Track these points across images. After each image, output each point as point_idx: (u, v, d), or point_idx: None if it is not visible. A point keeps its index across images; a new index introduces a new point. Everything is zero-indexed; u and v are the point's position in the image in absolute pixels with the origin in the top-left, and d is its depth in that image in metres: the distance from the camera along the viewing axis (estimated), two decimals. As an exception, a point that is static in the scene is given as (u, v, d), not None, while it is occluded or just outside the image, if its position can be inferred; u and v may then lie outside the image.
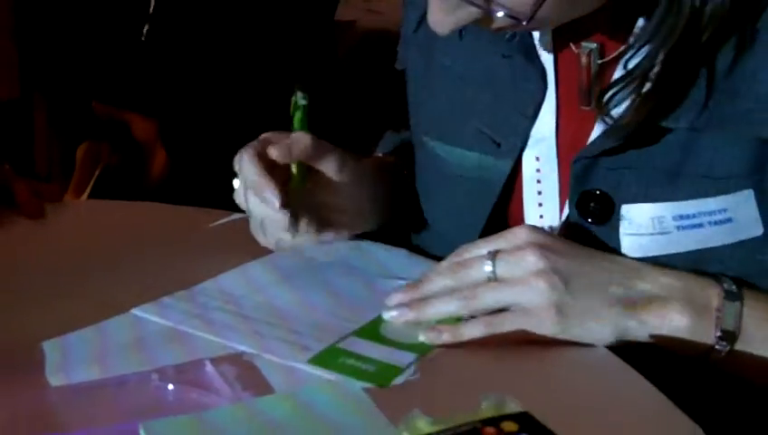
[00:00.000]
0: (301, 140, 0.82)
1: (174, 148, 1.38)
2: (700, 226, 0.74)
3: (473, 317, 0.71)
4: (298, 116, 0.83)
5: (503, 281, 0.71)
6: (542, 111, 0.82)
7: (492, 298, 0.70)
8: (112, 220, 0.97)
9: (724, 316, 0.69)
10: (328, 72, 0.98)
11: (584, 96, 0.80)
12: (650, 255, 0.75)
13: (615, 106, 0.75)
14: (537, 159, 0.83)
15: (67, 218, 0.96)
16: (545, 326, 0.69)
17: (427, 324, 0.71)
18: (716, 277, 0.72)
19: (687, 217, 0.74)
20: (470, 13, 0.71)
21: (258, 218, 0.85)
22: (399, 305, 0.73)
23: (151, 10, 1.38)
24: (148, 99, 1.40)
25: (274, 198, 0.79)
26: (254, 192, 0.82)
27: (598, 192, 0.78)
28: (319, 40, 0.82)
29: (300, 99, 0.83)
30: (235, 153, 1.29)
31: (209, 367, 0.68)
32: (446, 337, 0.69)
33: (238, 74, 1.38)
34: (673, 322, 0.69)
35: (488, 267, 0.71)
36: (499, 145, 0.84)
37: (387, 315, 0.73)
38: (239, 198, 0.85)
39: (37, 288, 0.80)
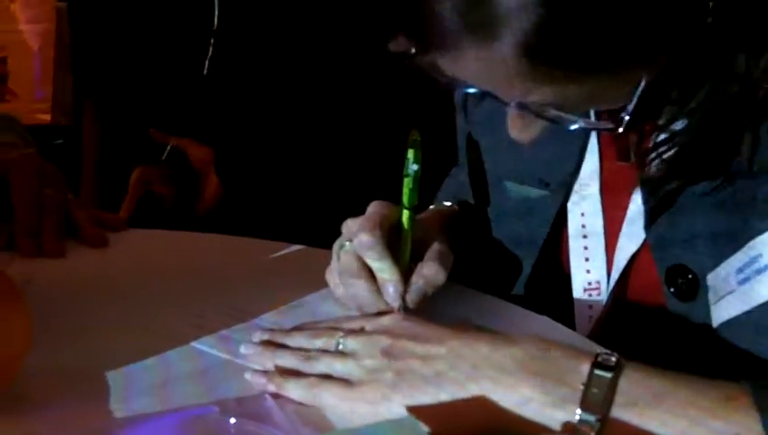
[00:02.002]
0: (429, 275, 0.79)
1: (228, 176, 1.40)
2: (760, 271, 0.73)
3: None
4: (408, 185, 0.79)
5: (343, 354, 0.72)
6: (584, 164, 0.83)
7: (325, 364, 0.71)
8: (173, 250, 0.98)
9: (589, 390, 0.64)
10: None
11: (624, 151, 0.80)
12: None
13: (655, 165, 0.75)
14: (582, 214, 0.84)
15: (128, 248, 0.97)
16: (361, 400, 0.68)
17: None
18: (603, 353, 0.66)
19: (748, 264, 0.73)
20: (555, 117, 0.70)
21: (356, 295, 0.80)
22: (254, 344, 0.76)
23: (212, 43, 1.40)
24: (206, 127, 1.42)
25: (397, 298, 0.77)
26: (367, 281, 0.78)
27: (681, 267, 0.78)
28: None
29: (412, 163, 0.78)
30: (288, 184, 1.29)
31: (269, 401, 0.68)
32: (270, 386, 0.71)
33: (299, 107, 1.40)
34: (521, 394, 0.65)
35: (338, 340, 0.73)
36: (548, 184, 0.85)
37: (242, 348, 0.75)
38: (347, 264, 0.80)
39: (99, 317, 0.82)
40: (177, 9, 1.42)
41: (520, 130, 0.73)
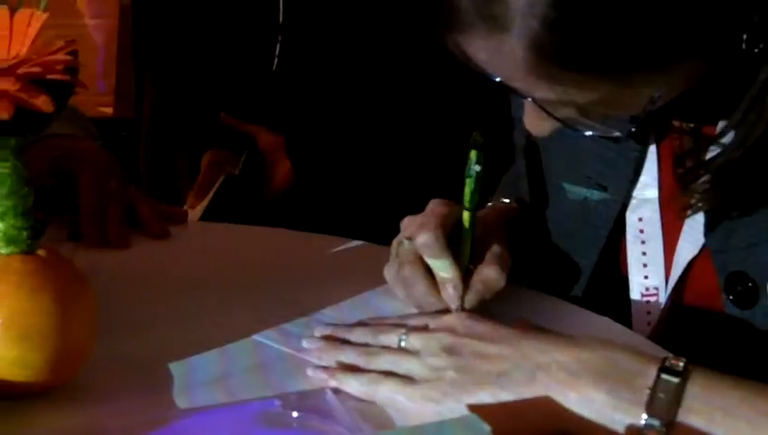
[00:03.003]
0: (489, 279, 0.79)
1: (300, 162, 1.40)
2: None
3: None
4: (470, 186, 0.78)
5: (405, 351, 0.72)
6: (644, 170, 0.83)
7: (386, 360, 0.71)
8: (234, 244, 0.99)
9: (656, 395, 0.63)
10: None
11: (680, 160, 0.80)
12: None
13: (696, 187, 0.75)
14: (640, 219, 0.84)
15: (190, 240, 0.98)
16: (422, 397, 0.68)
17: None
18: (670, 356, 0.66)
19: None
20: (567, 118, 0.71)
21: (414, 294, 0.80)
22: (316, 338, 0.76)
23: (279, 38, 1.41)
24: (276, 113, 1.43)
25: (456, 299, 0.77)
26: (427, 283, 0.78)
27: (741, 274, 0.77)
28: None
29: (474, 164, 0.77)
30: (353, 177, 1.29)
31: (330, 396, 0.68)
32: (332, 381, 0.71)
33: (365, 100, 1.40)
34: (586, 396, 0.64)
35: (401, 337, 0.73)
36: (605, 189, 0.85)
37: (304, 342, 0.75)
38: (407, 259, 0.80)
39: (161, 309, 0.82)
40: (243, 4, 1.43)
41: (534, 123, 0.73)
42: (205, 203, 1.38)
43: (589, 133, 0.73)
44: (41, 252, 0.68)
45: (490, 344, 0.69)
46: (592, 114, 0.71)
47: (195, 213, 1.36)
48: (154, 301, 0.84)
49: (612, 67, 0.65)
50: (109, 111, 1.93)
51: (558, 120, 0.71)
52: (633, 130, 0.71)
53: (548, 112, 0.70)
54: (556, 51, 0.64)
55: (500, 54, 0.66)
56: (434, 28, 0.69)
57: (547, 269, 0.90)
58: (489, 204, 0.94)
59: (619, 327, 0.83)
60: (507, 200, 0.93)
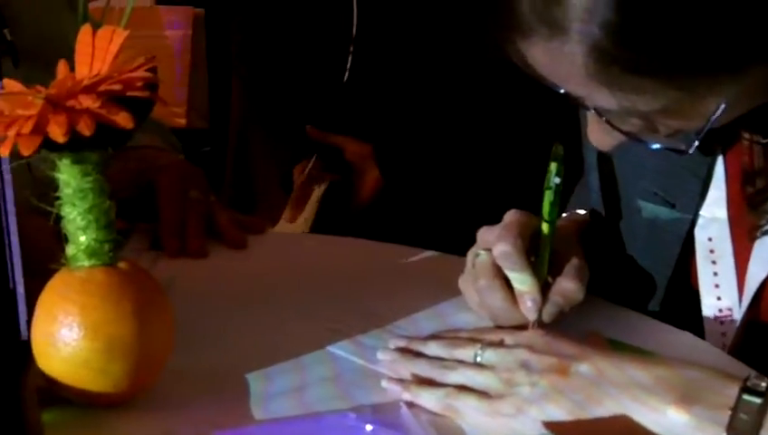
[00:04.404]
0: (569, 292, 0.78)
1: (388, 170, 1.41)
2: None
3: None
4: (549, 199, 0.78)
5: (481, 366, 0.71)
6: (711, 186, 0.81)
7: (462, 375, 0.71)
8: (311, 254, 0.99)
9: (737, 416, 0.61)
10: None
11: (750, 177, 0.78)
12: None
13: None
14: (710, 239, 0.82)
15: (268, 250, 0.99)
16: (497, 413, 0.67)
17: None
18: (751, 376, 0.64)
19: None
20: (630, 131, 0.70)
21: (491, 306, 0.79)
22: (390, 350, 0.76)
23: (353, 39, 1.42)
24: (362, 123, 1.44)
25: (535, 311, 0.77)
26: (505, 296, 0.78)
27: None
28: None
29: (554, 176, 0.77)
30: (444, 179, 1.28)
31: (404, 409, 0.69)
32: (406, 395, 0.70)
33: (440, 112, 1.40)
34: (665, 416, 0.63)
35: (476, 351, 0.72)
36: (673, 205, 0.83)
37: (379, 354, 0.76)
38: (483, 271, 0.79)
39: (238, 319, 0.84)
40: (317, 18, 1.44)
41: (598, 137, 0.73)
42: (307, 214, 1.40)
43: (655, 146, 0.71)
44: (122, 264, 0.70)
45: (567, 361, 0.68)
46: (657, 126, 0.70)
47: (296, 226, 1.38)
48: (230, 311, 0.85)
49: (675, 72, 0.64)
50: (182, 121, 1.96)
51: (621, 132, 0.70)
52: (697, 142, 0.70)
53: (611, 124, 0.69)
54: (616, 56, 0.63)
55: (560, 59, 0.66)
56: (496, 33, 0.69)
57: (623, 283, 0.89)
58: (564, 214, 0.93)
59: (702, 343, 0.81)
60: (583, 212, 0.92)
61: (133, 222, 1.03)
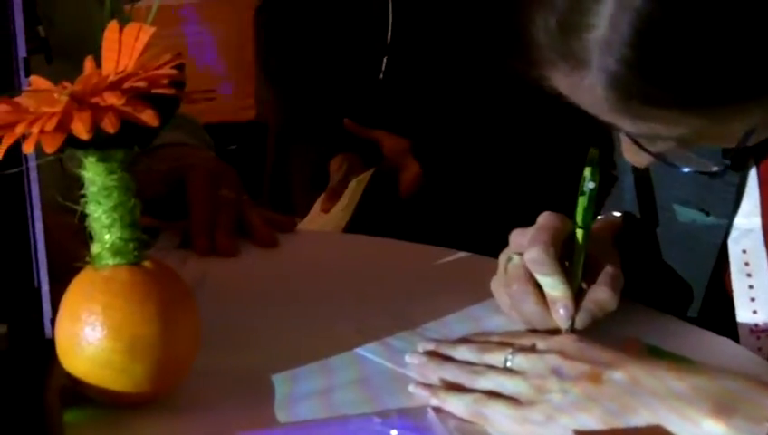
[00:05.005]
0: (602, 301, 0.76)
1: (428, 166, 1.40)
2: None
3: None
4: (583, 204, 0.77)
5: (511, 372, 0.69)
6: (745, 196, 0.79)
7: (491, 380, 0.69)
8: (341, 253, 0.98)
9: None
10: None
11: None
12: None
13: None
14: (744, 251, 0.80)
15: (298, 249, 0.98)
16: (527, 421, 0.66)
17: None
18: None
19: None
20: (661, 152, 0.69)
21: (524, 311, 0.78)
22: (419, 354, 0.74)
23: (389, 34, 1.41)
24: (399, 119, 1.43)
25: (567, 319, 0.75)
26: (536, 299, 0.76)
27: None
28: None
29: (588, 181, 0.76)
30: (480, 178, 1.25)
31: (431, 415, 0.67)
32: (433, 400, 0.69)
33: (475, 114, 1.39)
34: (702, 427, 0.61)
35: (507, 356, 0.70)
36: (708, 213, 0.82)
37: (407, 357, 0.74)
38: (515, 273, 0.78)
39: (266, 319, 0.83)
40: (354, 23, 1.44)
41: (631, 154, 0.72)
42: (344, 205, 1.39)
43: (685, 169, 0.70)
44: (147, 263, 0.69)
45: (600, 368, 0.66)
46: (685, 147, 0.69)
47: (331, 217, 1.37)
48: (259, 310, 0.84)
49: (696, 104, 0.63)
50: (251, 113, 1.96)
51: (652, 154, 0.69)
52: (728, 164, 0.69)
53: (641, 147, 0.68)
54: (636, 89, 0.63)
55: (581, 90, 0.65)
56: (515, 63, 0.68)
57: (659, 289, 0.87)
58: (600, 217, 0.91)
59: (742, 351, 0.79)
60: (618, 214, 0.89)
61: (164, 220, 1.03)
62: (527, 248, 0.76)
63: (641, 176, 0.88)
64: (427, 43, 1.40)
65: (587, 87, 0.65)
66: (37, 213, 0.70)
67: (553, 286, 0.75)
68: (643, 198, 0.89)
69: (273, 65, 1.57)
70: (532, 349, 0.71)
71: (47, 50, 0.96)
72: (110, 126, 0.62)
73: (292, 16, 1.52)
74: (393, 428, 0.65)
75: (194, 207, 0.99)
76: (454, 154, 1.40)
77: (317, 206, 1.40)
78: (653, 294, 0.86)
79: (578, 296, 0.76)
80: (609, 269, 0.77)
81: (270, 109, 1.65)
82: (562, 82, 0.67)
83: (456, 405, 0.68)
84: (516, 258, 0.77)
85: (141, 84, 0.64)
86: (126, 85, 0.64)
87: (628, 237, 0.87)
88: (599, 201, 0.99)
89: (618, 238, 0.85)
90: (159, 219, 1.03)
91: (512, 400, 0.67)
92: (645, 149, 0.70)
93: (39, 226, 0.70)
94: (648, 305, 0.85)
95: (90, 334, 0.65)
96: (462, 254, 0.94)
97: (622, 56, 0.62)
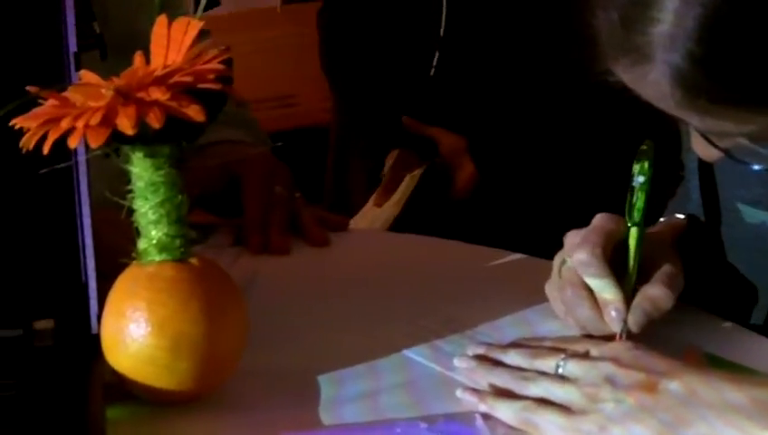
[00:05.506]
0: (656, 298, 0.74)
1: (484, 165, 1.39)
2: None
3: None
4: (634, 200, 0.75)
5: (563, 379, 0.67)
6: None
7: (542, 387, 0.67)
8: (393, 253, 0.97)
9: None
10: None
11: None
12: None
13: None
14: None
15: (350, 248, 0.97)
16: (577, 430, 0.63)
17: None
18: None
19: None
20: (735, 142, 0.67)
21: (576, 315, 0.76)
22: (468, 357, 0.73)
23: (442, 33, 1.39)
24: (456, 115, 1.41)
25: (619, 322, 0.73)
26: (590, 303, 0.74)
27: None
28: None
29: (638, 175, 0.74)
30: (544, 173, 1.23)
31: (479, 421, 0.65)
32: (482, 406, 0.67)
33: (529, 110, 1.37)
34: None
35: (559, 362, 0.68)
36: None
37: (456, 361, 0.73)
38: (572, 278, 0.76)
39: (314, 318, 0.82)
40: (408, 18, 1.42)
41: (701, 148, 0.69)
42: (396, 200, 1.38)
43: (756, 167, 0.67)
44: (193, 260, 0.68)
45: (656, 377, 0.64)
46: (759, 142, 0.66)
47: (382, 211, 1.36)
48: (308, 309, 0.83)
49: (766, 102, 0.60)
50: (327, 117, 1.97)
51: (721, 149, 0.66)
52: None
53: (710, 142, 0.65)
54: (702, 86, 0.60)
55: (646, 85, 0.63)
56: (579, 57, 0.66)
57: (723, 292, 0.84)
58: (662, 219, 0.88)
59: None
60: (681, 216, 0.87)
61: (220, 216, 1.02)
62: (575, 251, 0.74)
63: (706, 174, 0.85)
64: (482, 37, 1.38)
65: (652, 82, 0.63)
66: (86, 208, 0.70)
67: (603, 288, 0.73)
68: (708, 197, 0.86)
69: (331, 64, 1.56)
70: (585, 355, 0.68)
71: (102, 46, 0.96)
72: (154, 121, 0.62)
73: (350, 15, 1.51)
74: (439, 433, 0.64)
75: (248, 205, 0.98)
76: (510, 154, 1.38)
77: (371, 200, 1.39)
78: (715, 299, 0.83)
79: (632, 298, 0.73)
80: (665, 268, 0.75)
81: (331, 109, 1.64)
82: (627, 76, 0.65)
83: (505, 412, 0.66)
84: (569, 261, 0.75)
85: (187, 79, 0.63)
86: (172, 80, 0.63)
87: (692, 240, 0.84)
88: (662, 203, 0.96)
89: (680, 241, 0.82)
90: (216, 215, 1.03)
91: (563, 408, 0.65)
92: (714, 145, 0.67)
93: (87, 221, 0.70)
94: (709, 312, 0.82)
95: (134, 331, 0.65)
96: (517, 255, 0.92)
97: (687, 52, 0.60)
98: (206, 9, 0.70)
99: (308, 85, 2.06)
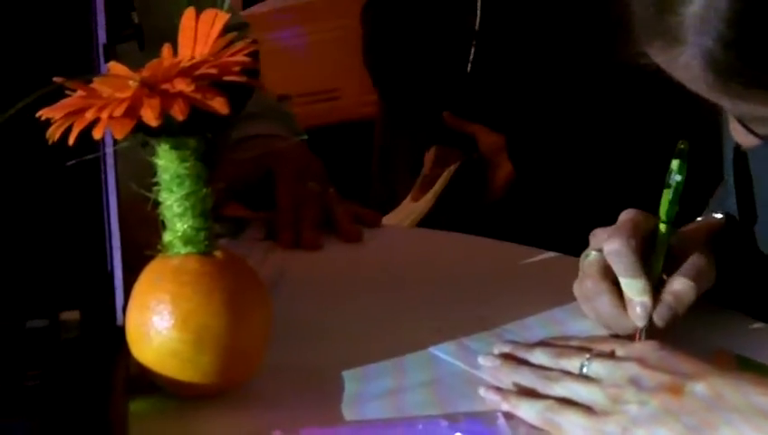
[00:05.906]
0: (679, 291, 0.73)
1: (522, 164, 1.38)
2: None
3: None
4: (668, 197, 0.74)
5: (587, 379, 0.66)
6: None
7: (565, 387, 0.65)
8: (424, 250, 0.96)
9: None
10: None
11: None
12: None
13: None
14: None
15: (382, 245, 0.96)
16: (600, 431, 0.62)
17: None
18: None
19: None
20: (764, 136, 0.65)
21: (598, 310, 0.75)
22: (493, 356, 0.72)
23: (477, 26, 1.38)
24: (497, 114, 1.40)
25: (644, 317, 0.72)
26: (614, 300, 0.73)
27: None
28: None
29: (675, 173, 0.73)
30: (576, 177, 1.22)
31: (501, 420, 0.65)
32: (504, 405, 0.66)
33: (562, 107, 1.35)
34: None
35: (583, 362, 0.67)
36: None
37: (480, 359, 0.72)
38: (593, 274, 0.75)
39: (342, 314, 0.81)
40: (446, 12, 1.41)
41: (740, 134, 0.67)
42: (430, 196, 1.38)
43: None
44: (218, 253, 0.68)
45: (681, 380, 0.63)
46: None
47: (417, 206, 1.36)
48: (336, 305, 0.83)
49: None
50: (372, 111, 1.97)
51: (758, 136, 0.64)
52: None
53: (747, 128, 0.64)
54: (735, 70, 0.59)
55: (679, 68, 0.61)
56: (614, 41, 0.65)
57: (758, 293, 0.82)
58: (699, 218, 0.86)
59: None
60: (719, 216, 0.85)
61: (254, 209, 1.02)
62: (607, 242, 0.72)
63: (741, 170, 0.83)
64: (518, 32, 1.36)
65: (683, 65, 0.61)
66: (112, 200, 0.71)
67: (630, 284, 0.72)
68: (742, 194, 0.84)
69: (374, 60, 1.56)
70: (610, 355, 0.67)
71: (140, 36, 0.96)
72: (179, 113, 0.62)
73: (395, 11, 1.51)
74: (460, 431, 0.63)
75: (280, 201, 0.98)
76: (548, 153, 1.37)
77: (409, 196, 1.39)
78: (750, 299, 0.81)
79: (657, 293, 0.72)
80: (692, 259, 0.73)
81: (375, 103, 1.64)
82: (661, 60, 0.64)
83: (528, 411, 0.65)
84: (593, 254, 0.74)
85: (212, 71, 0.63)
86: (197, 72, 0.63)
87: (728, 239, 0.82)
88: (701, 202, 0.94)
89: (715, 240, 0.80)
90: (250, 208, 1.03)
91: (586, 408, 0.64)
92: (751, 131, 0.66)
93: (114, 212, 0.70)
94: (744, 313, 0.80)
95: (158, 323, 0.65)
96: (549, 254, 0.91)
97: (719, 34, 0.58)
98: (250, 4, 0.70)
99: (351, 79, 2.06)
